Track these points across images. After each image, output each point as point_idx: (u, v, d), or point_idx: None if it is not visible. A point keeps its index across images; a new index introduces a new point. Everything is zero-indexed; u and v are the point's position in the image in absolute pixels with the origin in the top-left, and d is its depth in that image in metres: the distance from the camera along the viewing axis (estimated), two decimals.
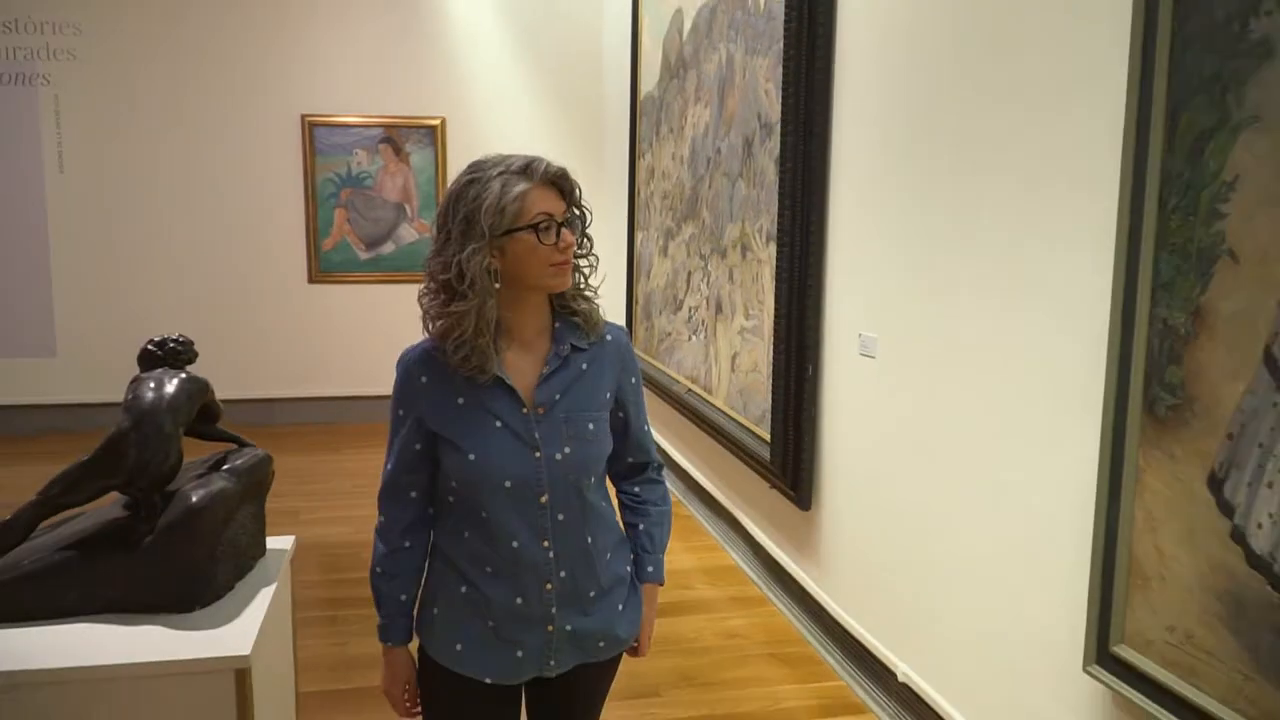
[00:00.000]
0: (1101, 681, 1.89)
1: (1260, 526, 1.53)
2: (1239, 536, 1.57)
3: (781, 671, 3.25)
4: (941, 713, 2.56)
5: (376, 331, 6.42)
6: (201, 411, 2.25)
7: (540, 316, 1.60)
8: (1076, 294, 2.00)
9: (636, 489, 1.77)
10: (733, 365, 3.99)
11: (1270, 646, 1.52)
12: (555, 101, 6.69)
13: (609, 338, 1.66)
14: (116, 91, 6.20)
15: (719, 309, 4.16)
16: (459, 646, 1.59)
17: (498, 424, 1.54)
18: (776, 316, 3.40)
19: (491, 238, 1.46)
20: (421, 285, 1.55)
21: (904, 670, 2.78)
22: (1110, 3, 1.86)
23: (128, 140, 6.26)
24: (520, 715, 1.71)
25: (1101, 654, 1.89)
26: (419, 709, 1.70)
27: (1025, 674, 2.21)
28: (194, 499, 2.03)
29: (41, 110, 6.18)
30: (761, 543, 3.85)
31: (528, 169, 1.50)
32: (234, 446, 2.35)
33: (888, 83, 2.83)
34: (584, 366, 1.61)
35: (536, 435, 1.54)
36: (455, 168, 6.36)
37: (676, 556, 4.27)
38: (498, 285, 1.50)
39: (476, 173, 1.51)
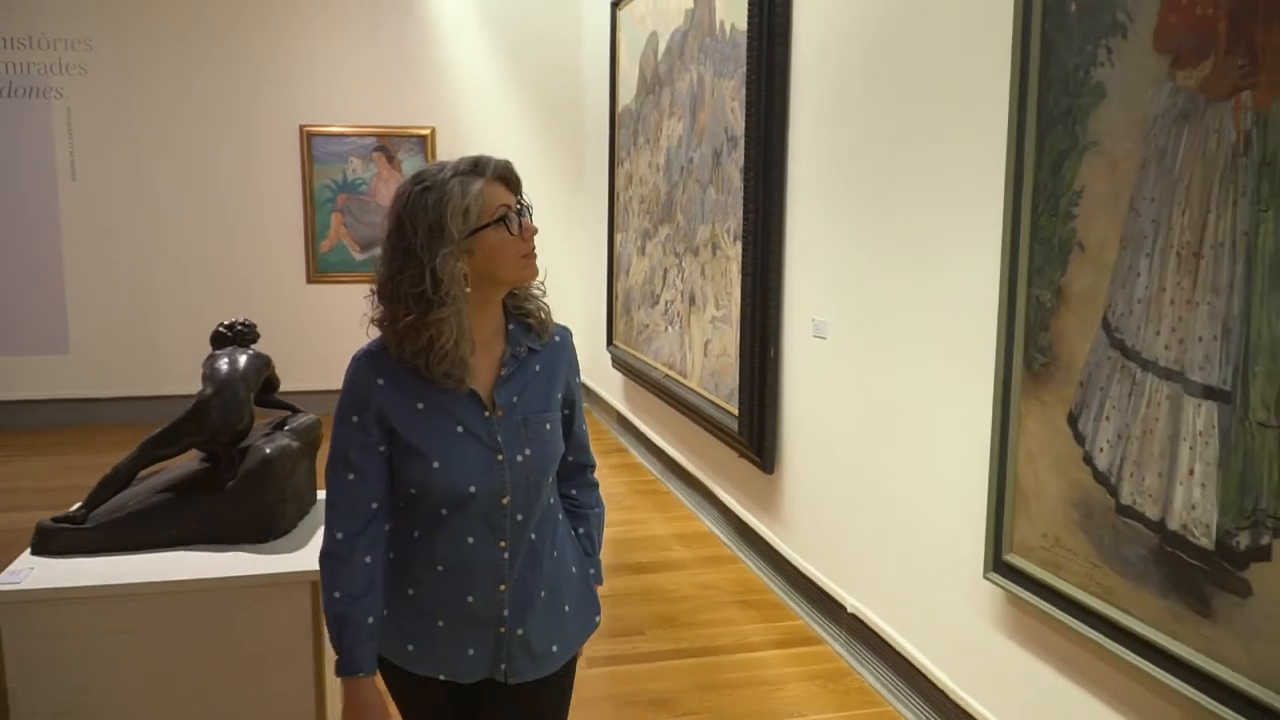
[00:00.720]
0: (998, 585, 2.40)
1: (1101, 450, 2.04)
2: (1088, 459, 2.08)
3: (749, 614, 3.74)
4: (881, 634, 3.06)
5: (371, 329, 6.84)
6: (265, 382, 2.70)
7: (496, 317, 1.58)
8: (974, 280, 2.50)
9: (574, 492, 1.77)
10: (705, 351, 4.48)
11: (1110, 541, 2.03)
12: (538, 112, 7.15)
13: (558, 338, 1.66)
14: (125, 104, 6.60)
15: (692, 301, 4.65)
16: (410, 647, 1.58)
17: (459, 429, 1.52)
18: (743, 306, 3.90)
19: (459, 240, 1.45)
20: (376, 311, 1.51)
21: (852, 603, 3.28)
22: (994, 57, 2.36)
23: (136, 149, 6.66)
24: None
25: (997, 563, 2.39)
26: None
27: (942, 587, 2.71)
28: (267, 451, 2.49)
29: (55, 122, 6.57)
30: (731, 507, 4.34)
31: (477, 166, 1.50)
32: (289, 413, 2.80)
33: (834, 107, 3.33)
34: (537, 368, 1.61)
35: (499, 438, 1.54)
36: None
37: (655, 525, 4.75)
38: (468, 289, 1.48)
39: (425, 181, 1.48)
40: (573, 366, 1.68)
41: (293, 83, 6.83)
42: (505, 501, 1.54)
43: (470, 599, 1.56)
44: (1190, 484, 1.81)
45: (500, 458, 1.53)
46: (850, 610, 3.28)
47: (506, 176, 1.53)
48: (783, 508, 3.84)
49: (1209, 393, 1.77)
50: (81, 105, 6.57)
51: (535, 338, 1.61)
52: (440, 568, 1.55)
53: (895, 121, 2.93)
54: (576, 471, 1.76)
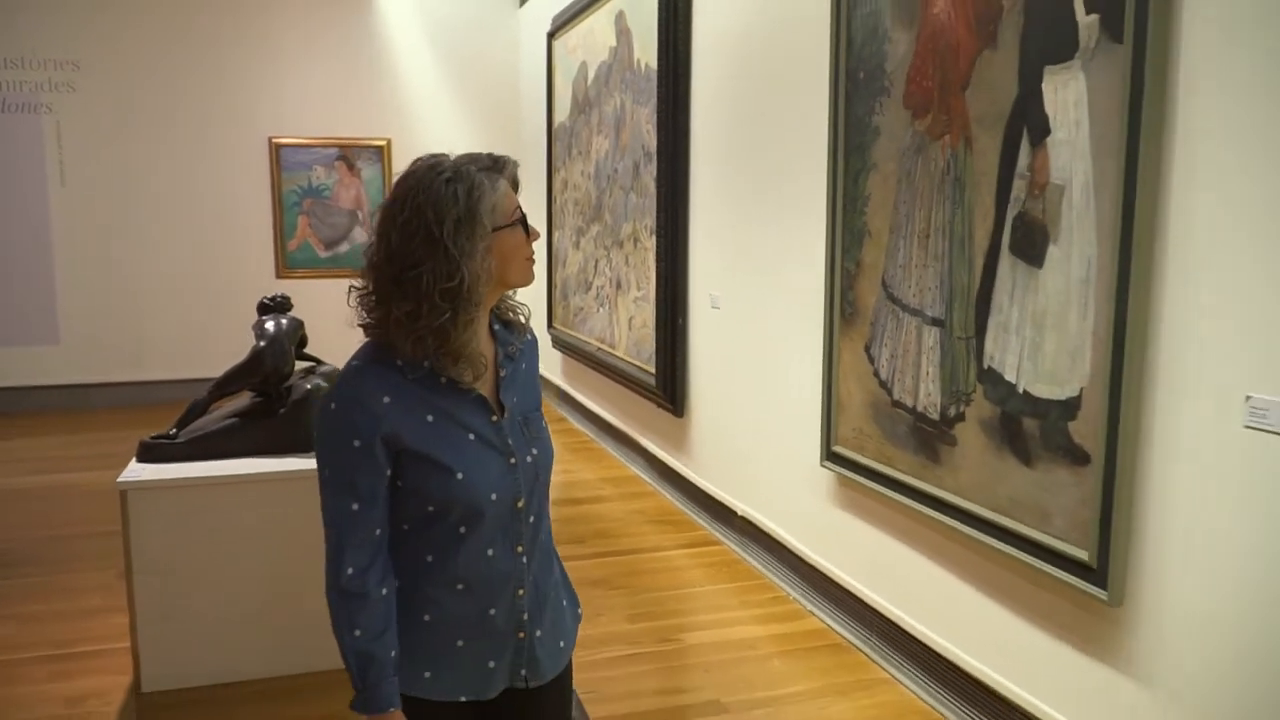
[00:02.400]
0: (830, 469, 3.45)
1: (882, 366, 3.10)
2: (875, 374, 3.14)
3: (664, 529, 4.76)
4: (759, 525, 4.10)
5: (334, 317, 7.64)
6: (299, 340, 3.63)
7: (487, 319, 1.53)
8: (811, 260, 3.55)
9: None
10: (629, 325, 5.49)
11: (888, 425, 3.08)
12: (482, 125, 8.09)
13: (530, 337, 1.64)
14: (110, 118, 7.37)
15: (619, 286, 5.65)
16: (427, 674, 1.52)
17: (471, 436, 1.48)
18: (658, 287, 4.92)
19: (489, 236, 1.41)
20: (369, 308, 1.45)
21: (741, 508, 4.31)
22: (819, 106, 3.41)
23: (120, 159, 7.43)
24: None
25: (828, 453, 3.45)
26: None
27: (796, 480, 3.76)
28: (308, 387, 3.43)
29: (45, 134, 7.31)
30: (651, 450, 5.37)
31: (496, 163, 1.47)
32: (315, 363, 3.73)
33: (722, 132, 4.37)
34: (524, 366, 1.60)
35: (510, 441, 1.51)
36: None
37: (589, 473, 5.75)
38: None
39: (446, 171, 1.41)
40: (537, 363, 1.69)
41: (263, 98, 7.67)
42: (520, 505, 1.51)
43: (492, 612, 1.52)
44: (926, 380, 2.88)
45: (513, 460, 1.51)
46: (740, 514, 4.31)
47: (515, 179, 1.51)
48: (690, 443, 4.87)
49: (935, 322, 2.83)
50: (69, 119, 7.31)
51: (517, 336, 1.59)
52: (460, 586, 1.50)
53: (761, 147, 3.98)
54: None
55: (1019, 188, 2.48)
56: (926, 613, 3.02)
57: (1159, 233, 2.11)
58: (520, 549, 1.53)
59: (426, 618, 1.50)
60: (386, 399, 1.43)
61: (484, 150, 1.50)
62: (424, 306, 1.38)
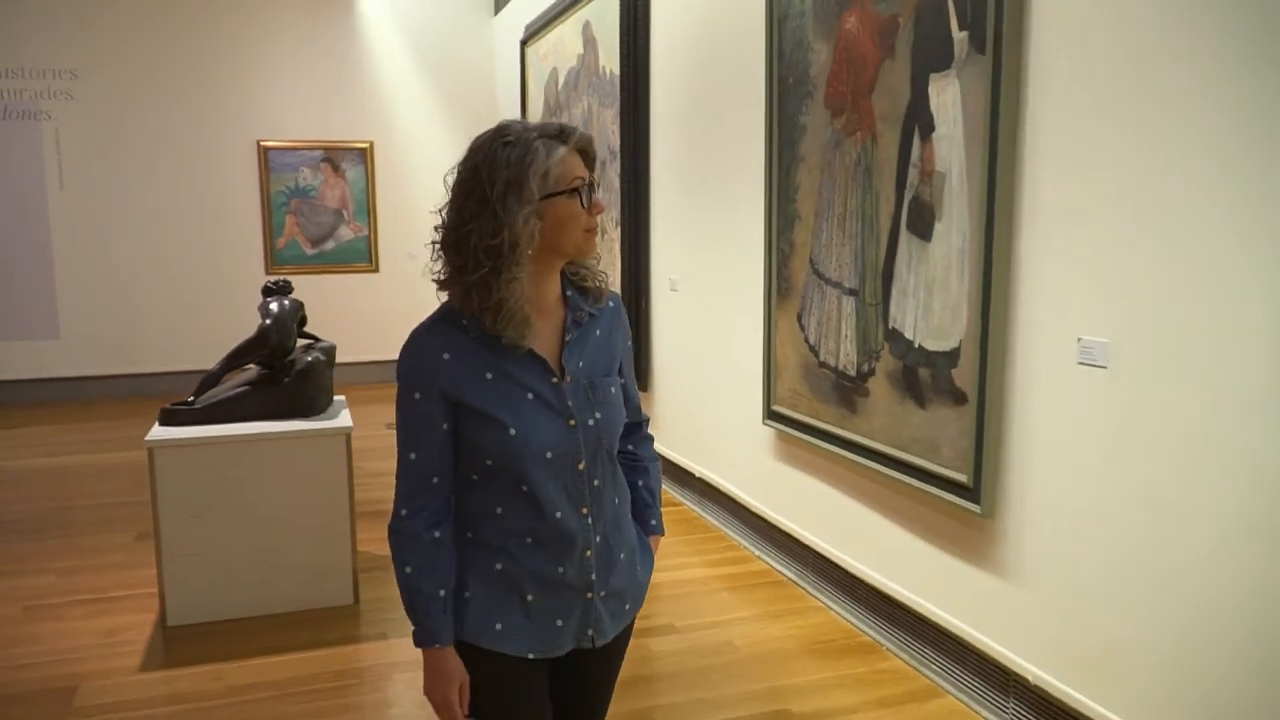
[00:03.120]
0: (770, 426, 3.93)
1: (810, 333, 3.58)
2: (805, 340, 3.62)
3: None
4: (713, 483, 4.57)
5: (320, 310, 8.07)
6: (300, 319, 4.07)
7: (556, 285, 1.57)
8: (754, 243, 4.02)
9: (631, 447, 1.77)
10: None
11: (816, 383, 3.56)
12: (460, 127, 8.51)
13: (611, 304, 1.66)
14: (106, 124, 7.77)
15: None
16: (498, 626, 1.56)
17: (530, 396, 1.52)
18: (623, 272, 5.39)
19: (538, 200, 1.44)
20: (443, 260, 1.50)
21: (699, 470, 4.79)
22: (757, 107, 3.88)
23: (116, 163, 7.83)
24: (548, 698, 1.68)
25: (768, 412, 3.92)
26: (470, 714, 1.60)
27: (742, 438, 4.23)
28: (309, 360, 3.87)
29: (44, 140, 7.70)
30: None
31: (562, 133, 1.50)
32: (314, 340, 4.17)
33: (677, 132, 4.85)
34: (598, 332, 1.62)
35: (570, 404, 1.54)
36: (384, 181, 8.32)
37: None
38: (530, 251, 1.46)
39: (508, 135, 1.47)
40: (626, 331, 1.70)
41: (251, 104, 8.08)
42: (581, 467, 1.55)
43: (560, 569, 1.56)
44: (845, 343, 3.36)
45: (572, 423, 1.54)
46: (698, 476, 4.79)
47: (586, 150, 1.53)
48: (656, 414, 5.35)
49: (851, 292, 3.32)
50: (68, 126, 7.71)
51: (593, 302, 1.61)
52: (529, 540, 1.55)
53: (710, 144, 4.46)
54: (633, 429, 1.76)
55: (913, 175, 2.96)
56: (847, 544, 3.50)
57: (1015, 210, 2.60)
58: (585, 510, 1.56)
59: (499, 566, 1.56)
60: (446, 355, 1.50)
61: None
62: (470, 261, 1.45)
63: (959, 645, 2.93)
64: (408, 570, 1.54)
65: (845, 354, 3.37)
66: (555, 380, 1.54)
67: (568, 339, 1.56)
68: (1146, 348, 2.24)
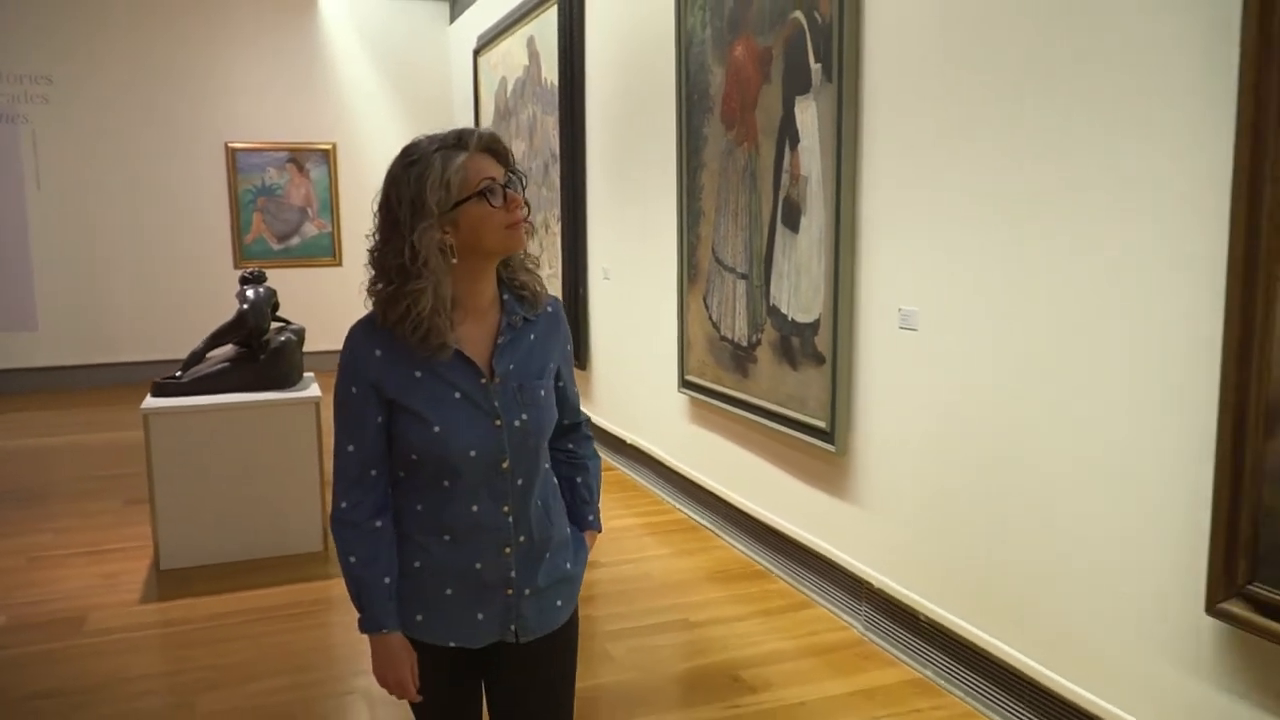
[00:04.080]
0: (685, 394, 4.56)
1: (713, 311, 4.21)
2: (710, 318, 4.25)
3: None
4: (642, 448, 5.19)
5: (287, 302, 8.58)
6: (273, 305, 4.63)
7: (490, 288, 1.61)
8: (668, 235, 4.64)
9: (571, 445, 1.81)
10: None
11: (718, 354, 4.19)
12: (417, 130, 8.81)
13: (549, 309, 1.69)
14: (81, 127, 8.23)
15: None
16: (419, 616, 1.62)
17: (456, 395, 1.56)
18: (563, 265, 5.99)
19: (441, 214, 1.48)
20: (368, 279, 1.57)
21: (630, 437, 5.41)
22: (670, 117, 4.50)
23: (91, 163, 8.29)
24: (481, 696, 1.74)
25: (683, 381, 4.55)
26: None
27: (662, 406, 4.85)
28: (281, 339, 4.44)
29: (22, 143, 8.14)
30: None
31: (460, 139, 1.52)
32: (285, 322, 4.73)
33: (609, 138, 5.46)
34: (532, 337, 1.65)
35: (496, 404, 1.57)
36: (346, 180, 8.86)
37: None
38: (454, 260, 1.52)
39: (412, 155, 1.52)
40: (564, 336, 1.73)
41: (220, 107, 8.58)
42: (505, 466, 1.58)
43: (478, 565, 1.60)
44: (739, 319, 3.99)
45: (498, 422, 1.57)
46: (629, 442, 5.41)
47: (493, 148, 1.56)
48: (592, 390, 5.96)
49: (742, 276, 3.95)
50: (44, 128, 8.15)
51: (529, 308, 1.65)
52: (447, 537, 1.59)
53: (636, 149, 5.08)
54: (572, 429, 1.82)
55: (785, 179, 3.59)
56: (744, 488, 4.14)
57: (856, 207, 3.24)
58: (507, 509, 1.60)
59: (417, 564, 1.60)
60: (378, 352, 1.55)
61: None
62: (383, 279, 1.54)
63: (825, 563, 3.57)
64: (352, 560, 1.59)
65: (739, 328, 4.00)
66: (484, 380, 1.58)
67: (500, 342, 1.60)
68: (944, 313, 2.89)
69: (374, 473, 1.60)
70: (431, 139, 1.54)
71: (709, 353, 4.29)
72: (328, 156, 8.89)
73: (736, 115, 3.92)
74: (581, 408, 1.85)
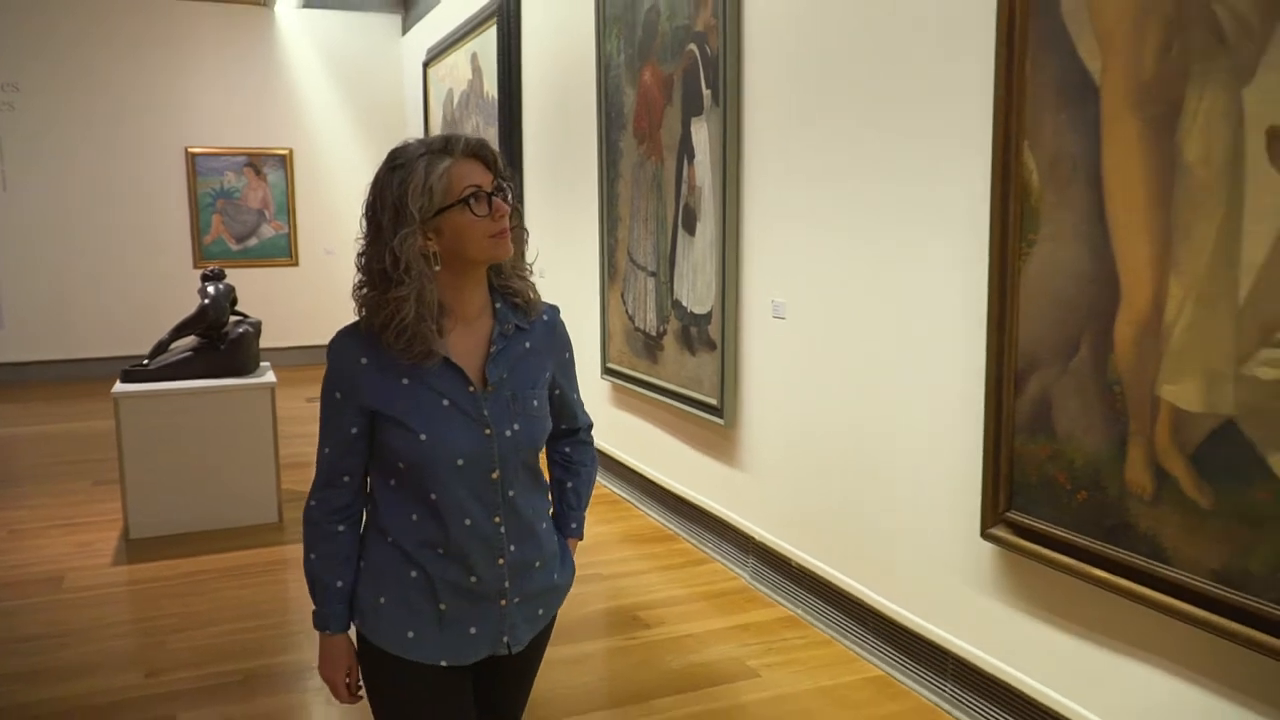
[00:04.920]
0: (607, 380, 5.08)
1: (629, 305, 4.74)
2: (626, 312, 4.78)
3: None
4: None
5: (245, 300, 8.98)
6: (232, 300, 5.08)
7: (481, 295, 1.59)
8: (591, 237, 5.16)
9: (568, 449, 1.80)
10: None
11: (632, 343, 4.72)
12: (369, 138, 9.50)
13: (545, 318, 1.68)
14: (46, 132, 8.58)
15: None
16: (410, 634, 1.58)
17: (445, 403, 1.53)
18: None
19: (423, 220, 1.46)
20: (356, 280, 1.54)
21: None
22: (591, 132, 5.02)
23: (56, 168, 8.64)
24: (470, 700, 1.69)
25: (605, 369, 5.08)
26: (361, 694, 1.68)
27: (589, 392, 5.36)
28: (240, 331, 4.90)
29: None
30: None
31: (447, 145, 1.50)
32: (244, 316, 5.19)
33: (542, 149, 5.97)
34: (526, 345, 1.63)
35: (486, 413, 1.55)
36: (302, 185, 9.30)
37: None
38: (437, 268, 1.49)
39: (399, 159, 1.49)
40: (563, 345, 1.73)
41: (180, 114, 8.97)
42: (495, 476, 1.56)
43: (473, 578, 1.58)
44: (649, 312, 4.52)
45: (488, 431, 1.54)
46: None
47: (481, 155, 1.53)
48: None
49: (652, 274, 4.48)
50: (10, 134, 8.50)
51: (523, 316, 1.63)
52: (440, 550, 1.56)
53: (565, 160, 5.60)
54: (570, 434, 1.80)
55: (684, 189, 4.13)
56: (655, 462, 4.67)
57: (740, 214, 3.78)
58: (498, 519, 1.57)
59: (414, 574, 1.57)
60: (364, 360, 1.53)
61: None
62: (369, 283, 1.51)
63: (719, 523, 4.11)
64: (312, 557, 1.62)
65: (649, 320, 4.53)
66: (473, 389, 1.55)
67: (492, 350, 1.57)
68: (806, 303, 3.44)
69: (345, 479, 1.60)
70: (419, 143, 1.52)
71: (626, 342, 4.82)
72: (284, 161, 9.31)
73: (646, 132, 4.45)
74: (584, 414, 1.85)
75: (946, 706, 2.89)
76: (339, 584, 1.62)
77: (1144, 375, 2.14)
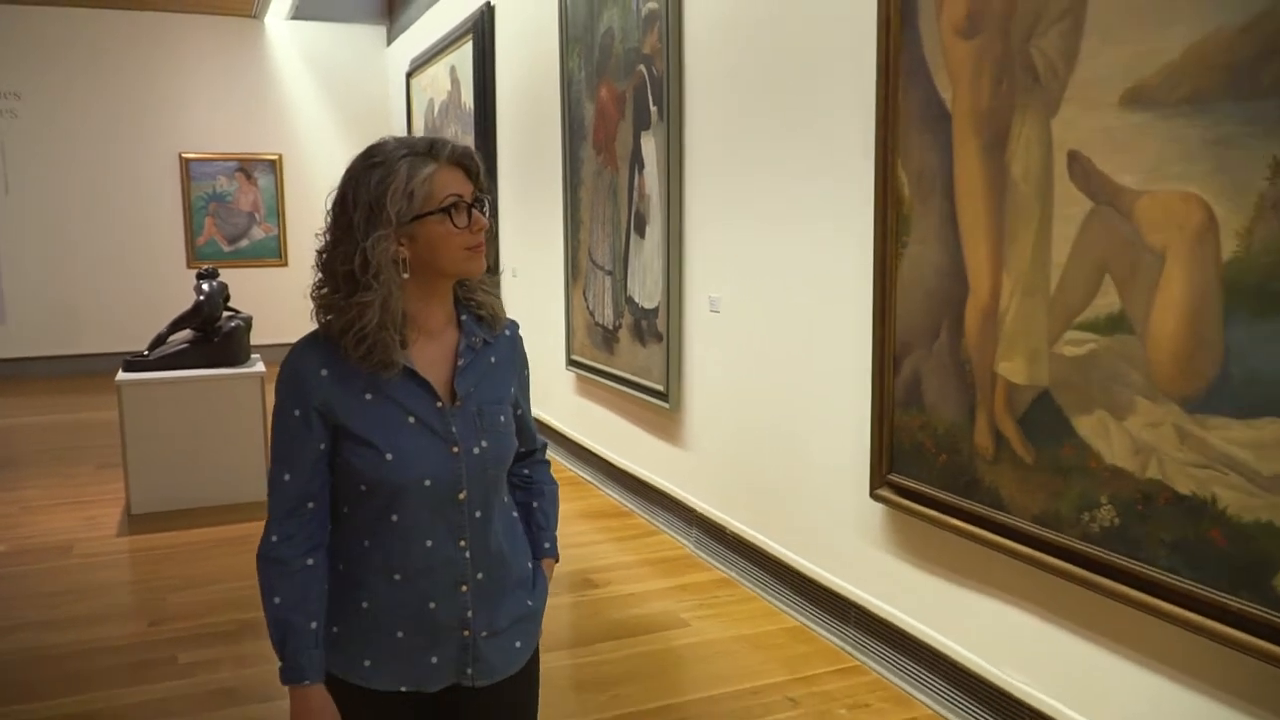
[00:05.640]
0: (571, 370, 5.52)
1: (590, 302, 5.17)
2: (588, 308, 5.21)
3: None
4: (541, 419, 6.14)
5: (236, 299, 9.44)
6: (225, 296, 5.50)
7: (447, 307, 1.52)
8: (556, 240, 5.59)
9: (526, 471, 1.73)
10: None
11: (593, 336, 5.15)
12: (355, 144, 9.58)
13: (508, 332, 1.62)
14: (48, 139, 8.98)
15: None
16: (367, 662, 1.50)
17: (410, 419, 1.46)
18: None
19: (399, 224, 1.39)
20: (314, 280, 1.46)
21: (535, 413, 6.34)
22: (556, 144, 5.45)
23: (56, 172, 9.05)
24: None
25: (569, 361, 5.51)
26: None
27: (556, 383, 5.79)
28: (233, 324, 5.32)
29: None
30: None
31: (432, 149, 1.43)
32: (235, 311, 5.60)
33: (513, 156, 6.40)
34: (492, 360, 1.57)
35: (454, 430, 1.48)
36: (291, 188, 9.72)
37: None
38: (405, 275, 1.42)
39: (377, 156, 1.42)
40: (524, 360, 1.67)
41: (175, 121, 9.39)
42: (461, 497, 1.48)
43: (431, 605, 1.49)
44: (607, 308, 4.96)
45: (456, 449, 1.47)
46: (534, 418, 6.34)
47: (465, 164, 1.47)
48: None
49: (609, 273, 4.91)
50: (12, 139, 8.91)
51: (488, 329, 1.57)
52: (397, 576, 1.48)
53: (534, 167, 6.03)
54: (529, 453, 1.73)
55: (636, 196, 4.56)
56: (611, 444, 5.10)
57: (683, 218, 4.21)
58: (463, 543, 1.49)
59: (365, 605, 1.49)
60: (324, 372, 1.45)
61: None
62: (330, 285, 1.43)
63: (666, 498, 4.55)
64: (277, 601, 1.46)
65: (607, 315, 4.96)
66: (440, 404, 1.48)
67: (461, 363, 1.51)
68: (738, 299, 3.87)
69: (311, 505, 1.48)
70: (400, 142, 1.45)
71: (587, 336, 5.25)
72: (274, 166, 9.72)
73: (603, 143, 4.89)
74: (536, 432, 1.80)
75: (850, 649, 3.32)
76: (313, 625, 1.47)
77: (986, 355, 2.58)
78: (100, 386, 7.95)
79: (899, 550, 3.06)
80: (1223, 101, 1.94)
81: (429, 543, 1.48)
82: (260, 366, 5.29)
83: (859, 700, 3.03)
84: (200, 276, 5.47)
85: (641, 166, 4.49)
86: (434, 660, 1.52)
